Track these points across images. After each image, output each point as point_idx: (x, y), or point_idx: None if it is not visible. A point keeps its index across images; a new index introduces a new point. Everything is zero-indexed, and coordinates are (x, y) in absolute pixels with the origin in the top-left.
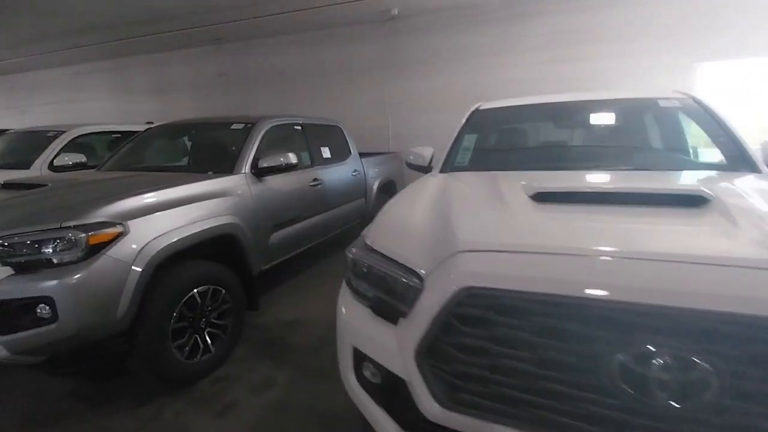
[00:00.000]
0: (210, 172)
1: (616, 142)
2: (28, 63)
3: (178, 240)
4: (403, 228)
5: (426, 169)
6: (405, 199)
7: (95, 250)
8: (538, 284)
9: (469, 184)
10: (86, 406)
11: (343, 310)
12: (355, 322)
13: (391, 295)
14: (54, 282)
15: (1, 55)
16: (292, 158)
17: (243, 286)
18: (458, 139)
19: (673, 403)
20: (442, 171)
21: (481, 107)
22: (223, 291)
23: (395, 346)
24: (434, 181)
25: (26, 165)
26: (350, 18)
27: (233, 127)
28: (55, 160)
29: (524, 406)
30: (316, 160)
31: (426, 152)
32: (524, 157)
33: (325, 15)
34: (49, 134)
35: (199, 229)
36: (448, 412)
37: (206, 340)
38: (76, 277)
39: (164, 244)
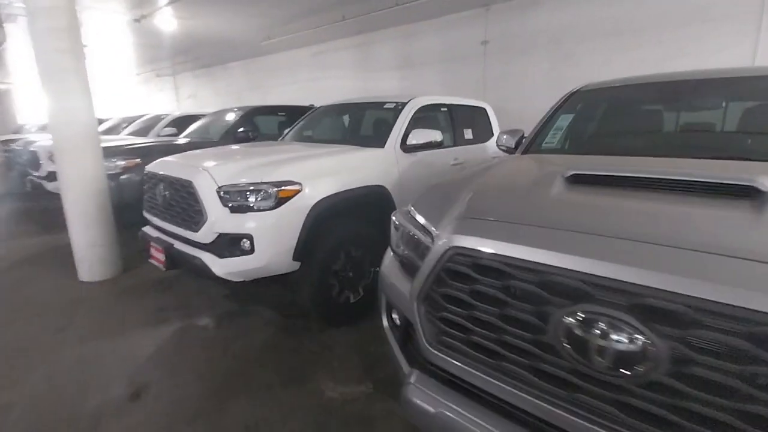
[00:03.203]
0: None
1: None
2: (274, 46)
3: None
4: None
5: None
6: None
7: None
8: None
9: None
10: None
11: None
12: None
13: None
14: None
15: (257, 39)
16: None
17: None
18: None
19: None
20: None
21: None
22: None
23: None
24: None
25: (379, 143)
26: None
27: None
28: (407, 138)
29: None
30: None
31: None
32: None
33: None
34: (386, 106)
35: None
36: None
37: None
38: None
39: None
